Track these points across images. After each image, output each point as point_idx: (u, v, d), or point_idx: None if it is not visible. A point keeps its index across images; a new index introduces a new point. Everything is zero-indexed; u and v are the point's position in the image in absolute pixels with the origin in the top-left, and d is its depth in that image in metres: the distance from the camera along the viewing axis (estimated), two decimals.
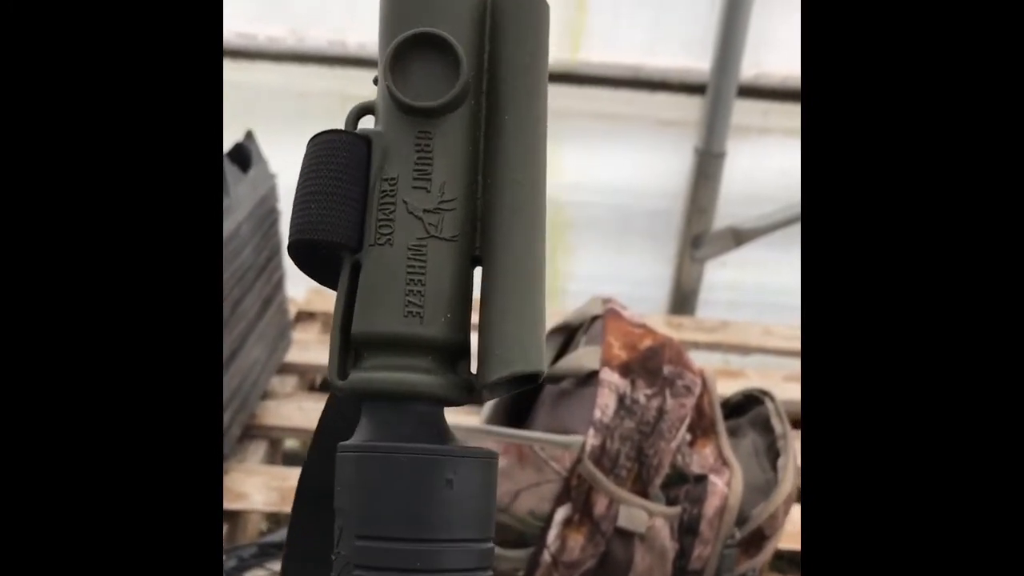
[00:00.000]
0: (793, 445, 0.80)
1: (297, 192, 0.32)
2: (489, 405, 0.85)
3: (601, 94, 1.41)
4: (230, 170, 0.97)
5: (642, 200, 1.48)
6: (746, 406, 0.87)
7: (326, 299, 1.38)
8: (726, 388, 0.88)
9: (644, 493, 0.73)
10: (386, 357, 0.30)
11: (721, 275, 1.52)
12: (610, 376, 0.73)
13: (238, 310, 0.97)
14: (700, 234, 1.45)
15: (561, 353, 0.84)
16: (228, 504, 0.96)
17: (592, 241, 1.50)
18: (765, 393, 0.86)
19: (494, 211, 0.31)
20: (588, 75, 1.40)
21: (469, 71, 0.31)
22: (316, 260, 0.33)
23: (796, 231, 1.38)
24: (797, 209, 1.37)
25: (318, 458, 0.35)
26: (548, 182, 0.32)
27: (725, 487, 0.74)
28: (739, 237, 1.43)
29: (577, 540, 0.71)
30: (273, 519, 1.08)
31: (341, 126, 0.32)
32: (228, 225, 0.92)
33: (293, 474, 1.01)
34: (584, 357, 0.77)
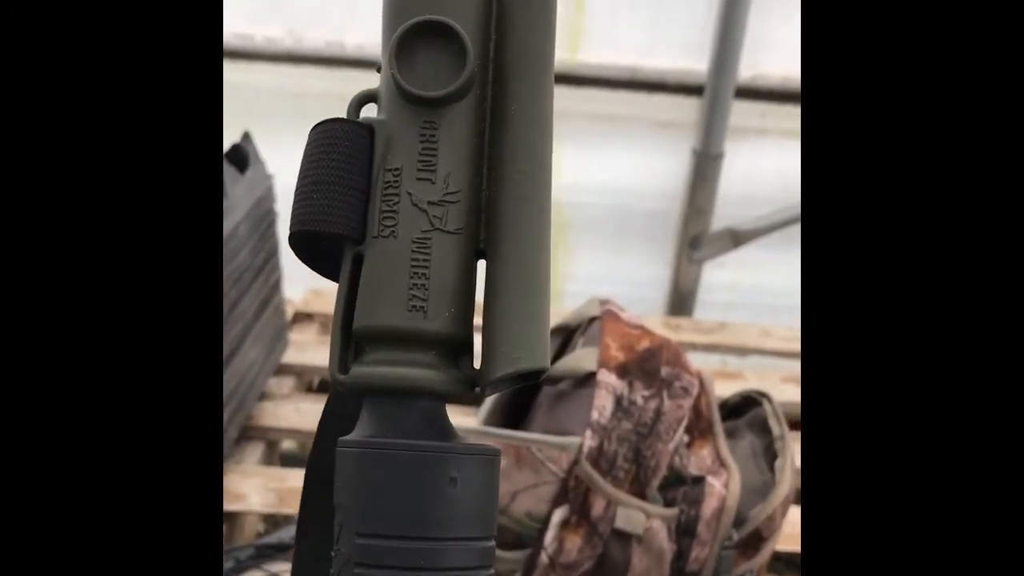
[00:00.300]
0: (791, 447, 0.80)
1: (298, 182, 0.31)
2: (486, 406, 0.85)
3: (599, 95, 1.41)
4: (227, 171, 0.97)
5: (640, 201, 1.48)
6: (744, 407, 0.87)
7: (323, 300, 1.38)
8: (724, 389, 0.88)
9: (642, 494, 0.73)
10: (388, 352, 0.30)
11: (719, 276, 1.52)
12: (607, 377, 0.73)
13: (235, 311, 0.97)
14: (698, 235, 1.45)
15: (559, 354, 0.84)
16: (225, 505, 0.96)
17: (590, 242, 1.50)
18: (763, 394, 0.86)
19: (499, 203, 0.31)
20: (586, 76, 1.40)
21: (475, 60, 0.30)
22: (317, 252, 0.32)
23: (794, 232, 1.38)
24: (795, 210, 1.37)
25: (324, 453, 0.35)
26: None
27: (723, 488, 0.74)
28: (737, 238, 1.43)
29: (574, 542, 0.71)
30: (270, 520, 1.08)
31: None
32: (225, 226, 0.92)
33: (290, 475, 1.02)
34: (582, 358, 0.76)
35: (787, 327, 1.39)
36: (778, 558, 1.03)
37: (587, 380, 0.75)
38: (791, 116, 1.40)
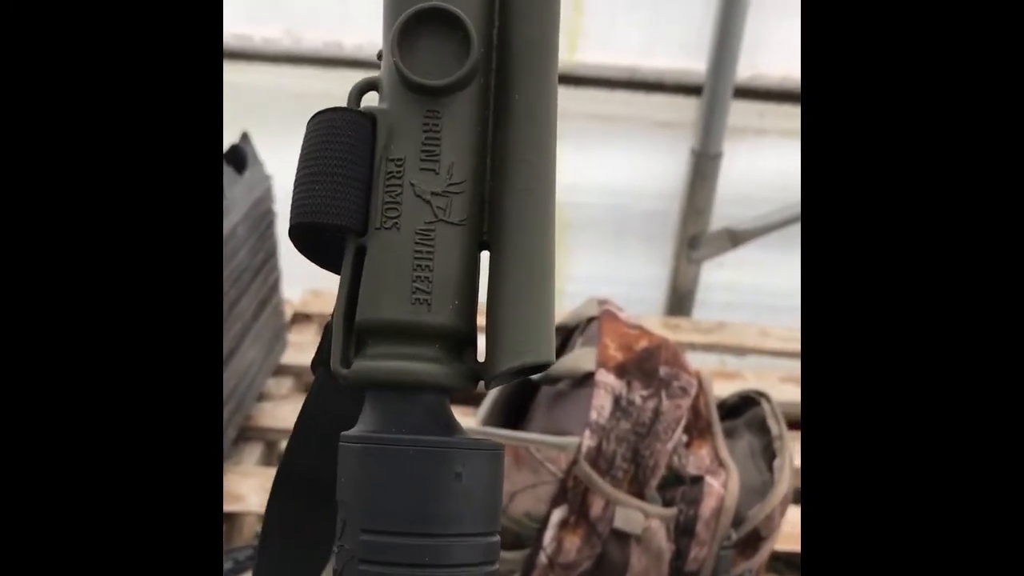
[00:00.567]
0: (789, 446, 0.80)
1: (298, 173, 0.31)
2: (485, 406, 0.85)
3: (597, 95, 1.41)
4: (226, 171, 0.97)
5: (639, 201, 1.48)
6: (742, 407, 0.87)
7: (322, 301, 1.38)
8: (723, 389, 0.88)
9: (640, 494, 0.73)
10: (392, 345, 0.30)
11: (718, 276, 1.52)
12: (606, 377, 0.73)
13: (234, 311, 0.97)
14: (697, 235, 1.45)
15: (557, 354, 0.83)
16: (224, 506, 0.96)
17: (589, 242, 1.50)
18: (761, 394, 0.86)
19: (503, 194, 0.30)
20: (584, 76, 1.40)
21: (479, 48, 0.30)
22: (318, 244, 0.32)
23: (793, 232, 1.38)
24: (794, 210, 1.38)
25: (304, 447, 0.35)
26: None
27: (721, 488, 0.74)
28: (736, 238, 1.43)
29: (573, 542, 0.71)
30: None
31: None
32: (224, 226, 0.92)
33: None
34: (580, 358, 0.76)
35: (786, 327, 1.39)
36: (777, 558, 1.03)
37: (585, 380, 0.75)
38: (789, 116, 1.40)
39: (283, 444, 1.18)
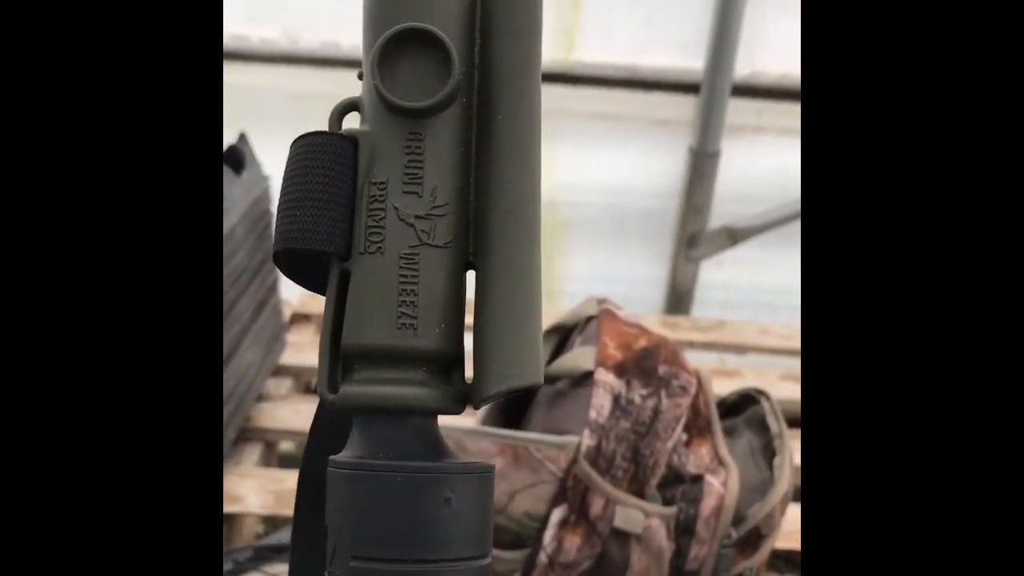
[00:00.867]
0: (789, 444, 0.79)
1: (281, 198, 0.31)
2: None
3: (595, 94, 1.41)
4: (224, 172, 0.97)
5: (637, 200, 1.48)
6: (742, 406, 0.87)
7: (321, 301, 1.37)
8: (722, 388, 0.87)
9: (640, 493, 0.73)
10: (378, 370, 0.29)
11: (717, 275, 1.52)
12: (605, 376, 0.73)
13: (233, 312, 0.97)
14: (695, 234, 1.45)
15: (556, 354, 0.83)
16: (224, 507, 0.96)
17: (587, 242, 1.50)
18: (761, 392, 0.86)
19: (488, 214, 0.30)
20: (582, 75, 1.40)
21: (461, 68, 0.30)
22: (304, 267, 0.32)
23: (792, 230, 1.38)
24: (792, 208, 1.38)
25: (316, 460, 0.35)
26: (542, 183, 0.31)
27: (721, 487, 0.74)
28: (734, 236, 1.43)
29: (573, 541, 0.71)
30: (269, 522, 1.08)
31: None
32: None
33: (289, 477, 1.02)
34: (579, 357, 0.76)
35: (785, 325, 1.39)
36: (777, 556, 1.03)
37: (585, 379, 0.75)
38: (787, 113, 1.40)
39: (283, 445, 1.18)
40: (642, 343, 0.76)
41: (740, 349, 1.38)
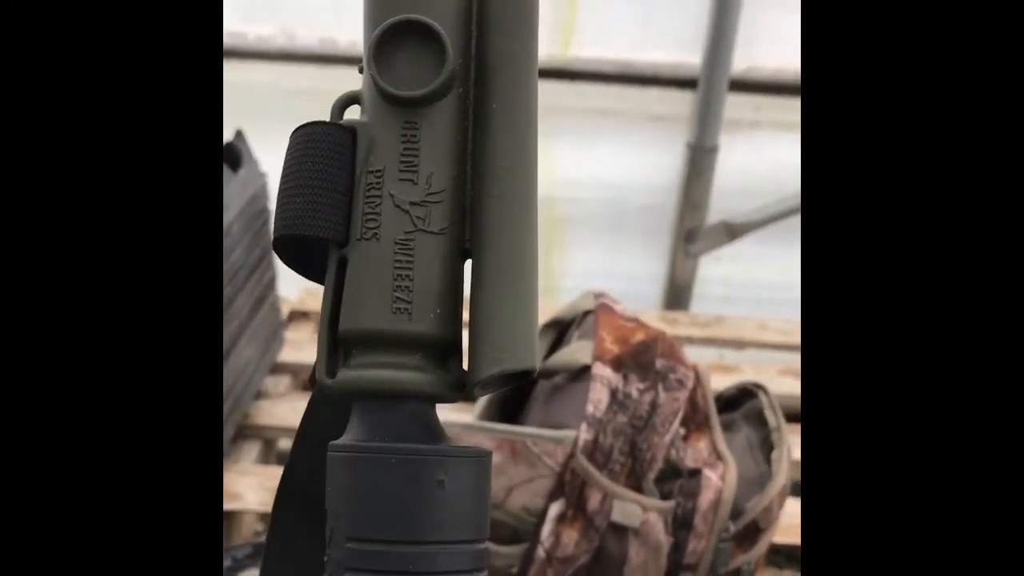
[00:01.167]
0: (787, 438, 0.80)
1: (281, 186, 0.31)
2: (482, 401, 0.85)
3: (592, 90, 1.41)
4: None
5: (635, 196, 1.48)
6: (740, 400, 0.87)
7: (319, 299, 1.37)
8: (721, 383, 0.88)
9: (638, 487, 0.73)
10: (375, 355, 0.30)
11: (715, 270, 1.52)
12: (602, 371, 0.73)
13: (230, 309, 0.97)
14: (693, 229, 1.45)
15: (554, 348, 0.83)
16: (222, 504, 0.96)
17: (585, 237, 1.50)
18: (759, 386, 0.86)
19: (483, 202, 0.30)
20: (579, 71, 1.40)
21: (456, 59, 0.30)
22: (303, 255, 0.32)
23: (790, 225, 1.38)
24: (791, 202, 1.37)
25: (301, 459, 0.35)
26: (540, 179, 0.31)
27: (719, 481, 0.74)
28: (733, 231, 1.43)
29: (571, 535, 0.71)
30: (267, 519, 1.08)
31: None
32: None
33: None
34: (576, 352, 0.76)
35: (784, 320, 1.39)
36: (776, 551, 1.03)
37: (582, 373, 0.75)
38: (785, 108, 1.40)
39: (281, 442, 1.18)
40: (639, 337, 0.76)
41: (739, 344, 1.38)
